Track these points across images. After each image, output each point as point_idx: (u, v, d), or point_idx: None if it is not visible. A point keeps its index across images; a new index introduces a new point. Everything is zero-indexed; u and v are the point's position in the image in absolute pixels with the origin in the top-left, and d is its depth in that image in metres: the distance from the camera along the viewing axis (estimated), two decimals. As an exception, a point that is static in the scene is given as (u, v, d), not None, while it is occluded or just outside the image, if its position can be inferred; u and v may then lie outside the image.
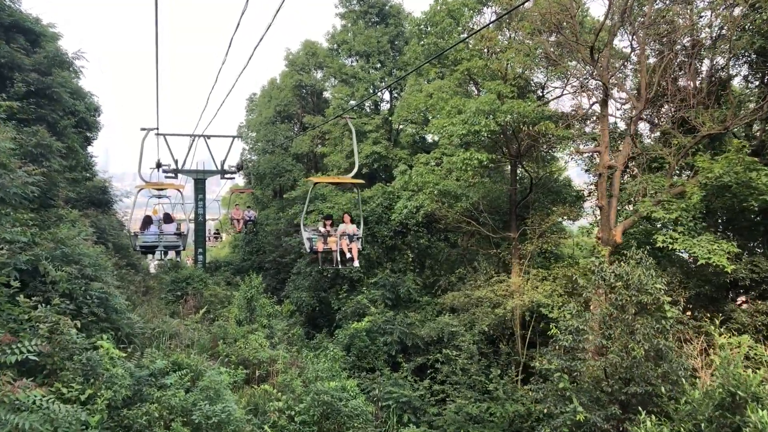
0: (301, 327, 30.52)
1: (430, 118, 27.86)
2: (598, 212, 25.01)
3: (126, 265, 25.15)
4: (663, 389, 11.94)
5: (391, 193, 30.82)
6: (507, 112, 20.55)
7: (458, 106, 22.18)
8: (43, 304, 10.75)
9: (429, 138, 42.09)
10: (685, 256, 20.54)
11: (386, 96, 44.50)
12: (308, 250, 17.54)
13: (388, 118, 42.28)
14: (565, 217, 24.90)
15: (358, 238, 17.27)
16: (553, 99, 25.16)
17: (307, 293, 31.32)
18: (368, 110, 43.72)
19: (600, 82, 20.22)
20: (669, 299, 12.90)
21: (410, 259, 30.55)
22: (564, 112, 24.60)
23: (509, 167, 30.62)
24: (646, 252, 14.19)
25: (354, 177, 18.71)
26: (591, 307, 15.80)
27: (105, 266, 15.79)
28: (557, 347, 14.57)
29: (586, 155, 24.07)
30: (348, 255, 16.98)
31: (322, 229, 17.39)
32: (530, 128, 21.05)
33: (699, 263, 16.81)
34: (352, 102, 40.72)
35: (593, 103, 21.27)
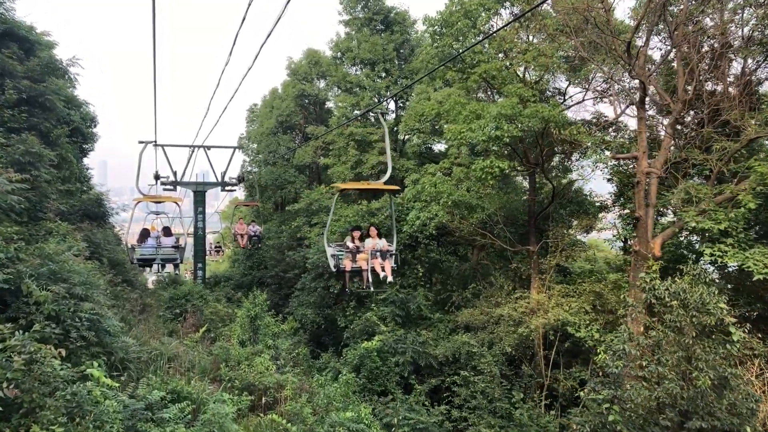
0: (305, 346, 29.05)
1: (443, 124, 26.48)
2: (621, 224, 23.66)
3: (122, 282, 23.69)
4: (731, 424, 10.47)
5: (401, 205, 29.39)
6: (530, 117, 19.19)
7: (477, 110, 20.82)
8: (21, 331, 9.26)
9: (436, 148, 40.80)
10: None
11: (391, 106, 43.23)
12: (334, 269, 15.23)
13: (395, 128, 40.98)
14: (590, 230, 23.53)
15: (391, 255, 15.24)
16: (574, 104, 23.83)
17: (312, 310, 29.79)
18: (372, 120, 42.43)
19: (631, 83, 18.94)
20: (734, 320, 11.42)
21: (420, 274, 29.08)
22: (586, 119, 23.35)
23: (523, 177, 29.28)
24: (699, 267, 12.77)
25: (387, 183, 15.70)
26: (631, 328, 14.29)
27: (97, 284, 14.33)
28: (601, 373, 13.06)
29: (611, 163, 22.74)
30: (382, 274, 14.97)
31: (350, 245, 15.25)
32: (558, 132, 19.68)
33: (755, 278, 15.29)
34: (356, 112, 39.40)
35: (627, 106, 19.86)
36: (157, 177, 36.84)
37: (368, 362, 23.41)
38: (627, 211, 22.02)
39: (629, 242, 21.88)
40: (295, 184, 42.66)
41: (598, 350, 13.66)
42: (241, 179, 38.36)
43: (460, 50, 21.75)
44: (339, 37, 42.40)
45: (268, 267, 40.64)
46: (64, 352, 9.72)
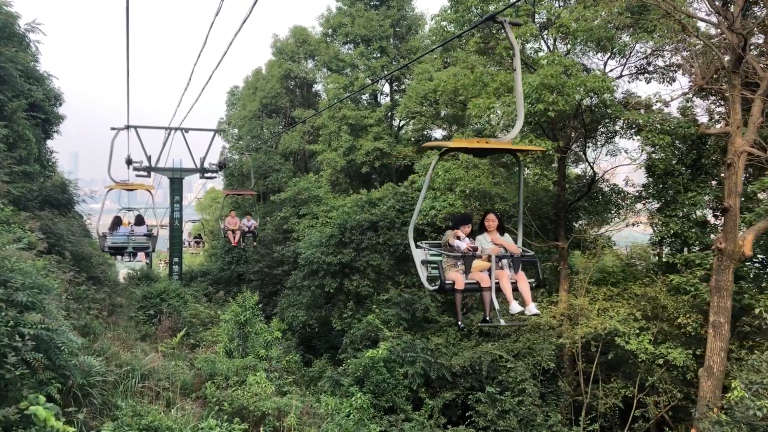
0: (295, 351, 25.91)
1: (462, 100, 23.44)
2: (659, 218, 20.87)
3: (87, 280, 20.26)
4: None
5: (405, 194, 26.33)
6: (575, 88, 16.26)
7: (509, 82, 17.85)
8: None
9: (437, 134, 37.81)
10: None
11: (386, 89, 40.11)
12: (430, 287, 9.03)
13: (389, 113, 37.89)
14: (629, 225, 20.77)
15: (527, 262, 8.96)
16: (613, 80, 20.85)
17: (304, 312, 26.60)
18: (365, 103, 39.28)
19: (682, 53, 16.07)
20: None
21: (427, 272, 26.04)
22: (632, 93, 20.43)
23: (536, 164, 26.30)
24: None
25: (514, 142, 9.40)
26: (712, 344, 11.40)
27: (50, 287, 11.03)
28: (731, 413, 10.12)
29: (648, 150, 19.88)
30: (514, 304, 8.48)
31: (459, 244, 8.81)
32: (603, 108, 16.71)
33: None
34: (368, 80, 36.22)
35: (714, 72, 16.83)
36: (129, 162, 33.35)
37: (374, 374, 20.34)
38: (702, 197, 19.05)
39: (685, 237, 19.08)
40: (281, 172, 39.32)
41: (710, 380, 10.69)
42: (222, 165, 34.93)
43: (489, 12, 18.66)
44: (330, 12, 39.16)
45: (250, 262, 37.23)
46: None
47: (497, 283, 8.30)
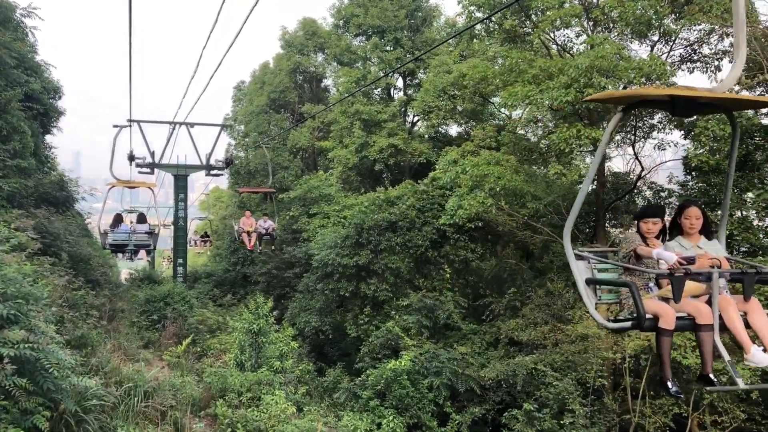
0: (308, 359, 24.30)
1: (492, 90, 21.80)
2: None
3: (86, 283, 18.69)
4: None
5: (425, 192, 24.67)
6: (633, 69, 14.57)
7: (549, 68, 16.18)
8: None
9: (453, 131, 36.17)
10: None
11: (399, 83, 38.45)
12: (605, 322, 5.63)
13: (402, 108, 36.26)
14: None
15: (755, 282, 5.42)
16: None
17: (317, 317, 24.92)
18: (377, 98, 37.62)
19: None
20: None
21: (448, 276, 24.35)
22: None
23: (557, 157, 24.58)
24: None
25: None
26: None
27: (39, 295, 9.41)
28: None
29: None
30: (751, 349, 5.20)
31: (665, 255, 5.38)
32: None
33: None
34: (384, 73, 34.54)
35: None
36: (132, 158, 31.85)
37: (396, 387, 18.69)
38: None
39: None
40: (290, 169, 37.65)
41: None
42: (229, 161, 33.36)
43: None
44: (342, 2, 37.48)
45: (257, 263, 35.54)
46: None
47: (721, 317, 5.28)
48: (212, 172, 33.25)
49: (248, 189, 32.25)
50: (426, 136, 35.90)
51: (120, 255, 25.66)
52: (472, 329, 23.04)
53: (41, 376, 8.19)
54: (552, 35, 19.93)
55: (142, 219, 23.50)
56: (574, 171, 19.51)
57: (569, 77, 15.11)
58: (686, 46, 19.46)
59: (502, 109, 31.48)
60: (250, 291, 33.72)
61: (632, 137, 19.19)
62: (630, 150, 20.33)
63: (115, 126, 29.26)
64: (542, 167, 22.30)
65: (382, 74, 33.70)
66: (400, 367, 18.73)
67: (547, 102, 15.68)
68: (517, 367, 17.95)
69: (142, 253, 25.46)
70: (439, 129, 35.03)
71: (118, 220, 22.78)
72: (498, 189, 18.86)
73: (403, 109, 36.76)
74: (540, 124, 24.43)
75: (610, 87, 14.68)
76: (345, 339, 26.27)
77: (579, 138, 15.48)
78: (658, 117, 20.40)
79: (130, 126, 30.43)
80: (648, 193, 21.36)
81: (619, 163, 23.31)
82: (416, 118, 37.19)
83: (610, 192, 21.00)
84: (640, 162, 19.29)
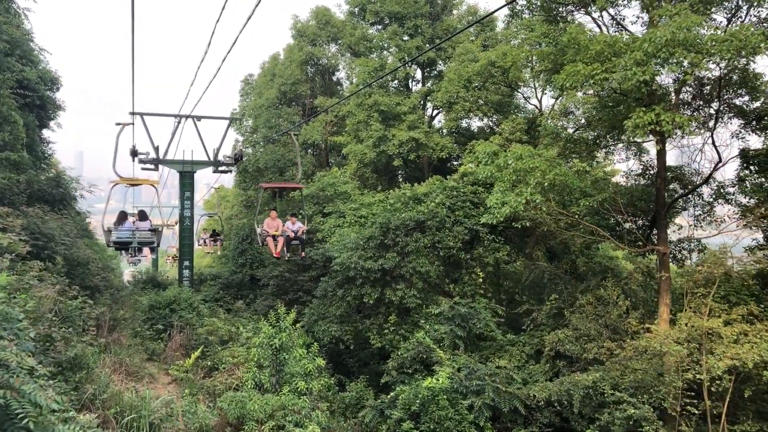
0: (327, 372, 22.11)
1: (537, 74, 19.66)
2: None
3: (83, 290, 16.52)
4: None
5: (455, 189, 22.50)
6: (724, 42, 12.41)
7: (615, 43, 14.01)
8: None
9: (474, 125, 34.05)
10: None
11: (417, 75, 36.34)
12: None
13: (421, 101, 34.14)
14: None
15: None
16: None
17: (338, 325, 22.71)
18: (394, 90, 35.49)
19: None
20: None
21: (480, 280, 22.17)
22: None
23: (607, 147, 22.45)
24: None
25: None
26: None
27: (13, 316, 7.23)
28: None
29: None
30: None
31: None
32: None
33: None
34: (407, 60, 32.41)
35: None
36: (134, 153, 29.69)
37: (434, 409, 16.52)
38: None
39: None
40: (303, 165, 35.50)
41: None
42: (239, 157, 31.15)
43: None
44: (358, -12, 35.40)
45: (267, 265, 33.34)
46: None
47: None
48: (220, 168, 31.02)
49: (273, 184, 27.74)
50: (445, 130, 33.87)
51: (123, 253, 24.81)
52: (509, 340, 20.89)
53: (11, 428, 6.06)
54: (607, 13, 17.76)
55: (143, 216, 21.80)
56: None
57: (644, 53, 12.93)
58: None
59: (532, 100, 29.41)
60: (260, 294, 31.62)
61: (712, 123, 16.94)
62: (693, 140, 18.14)
63: (118, 124, 27.36)
64: (589, 161, 20.14)
65: (400, 64, 31.57)
66: (437, 386, 16.57)
67: (616, 83, 13.51)
68: (572, 387, 15.77)
69: (146, 250, 24.91)
70: (461, 123, 32.97)
71: (122, 217, 21.31)
72: (546, 184, 16.70)
73: (422, 102, 34.68)
74: (580, 113, 22.40)
75: (701, 64, 12.50)
76: (365, 349, 24.14)
77: (659, 124, 13.29)
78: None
79: (132, 120, 28.35)
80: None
81: (669, 157, 21.13)
82: (436, 112, 35.09)
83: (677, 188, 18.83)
84: (717, 150, 17.06)
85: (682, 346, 13.89)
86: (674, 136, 16.75)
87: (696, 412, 14.00)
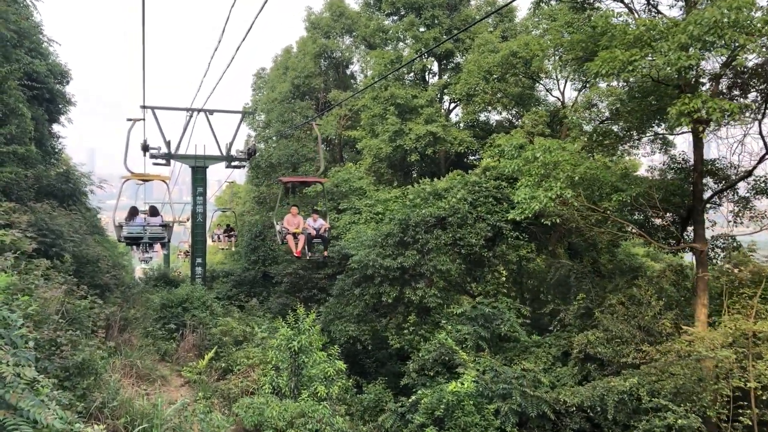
0: (345, 373, 21.33)
1: (565, 62, 18.80)
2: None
3: (92, 289, 15.82)
4: None
5: (477, 184, 21.67)
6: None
7: (656, 27, 13.13)
8: None
9: (493, 119, 33.17)
10: None
11: (434, 68, 35.47)
12: None
13: (438, 94, 33.31)
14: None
15: None
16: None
17: (355, 325, 21.96)
18: (410, 83, 34.68)
19: None
20: None
21: (503, 279, 21.36)
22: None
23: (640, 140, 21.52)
24: None
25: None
26: None
27: (11, 322, 6.52)
28: None
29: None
30: None
31: None
32: None
33: None
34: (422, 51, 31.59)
35: None
36: (145, 148, 29.09)
37: (459, 414, 15.73)
38: None
39: None
40: (316, 161, 34.77)
41: None
42: (252, 152, 30.44)
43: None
44: (374, -22, 34.62)
45: (280, 262, 32.63)
46: None
47: None
48: (233, 163, 30.35)
49: (293, 178, 26.20)
50: (462, 124, 33.02)
51: (135, 249, 24.77)
52: (534, 341, 20.05)
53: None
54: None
55: (154, 212, 21.72)
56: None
57: (689, 36, 12.05)
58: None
59: (554, 92, 28.54)
60: (273, 292, 30.95)
61: (763, 110, 15.96)
62: (732, 131, 17.19)
63: (129, 119, 26.80)
64: (616, 155, 19.26)
65: (416, 55, 30.76)
66: (463, 390, 15.77)
67: (655, 70, 12.62)
68: (606, 392, 14.93)
69: (157, 246, 24.33)
70: (479, 116, 32.14)
71: (133, 212, 21.22)
72: (576, 178, 15.85)
73: (439, 95, 33.85)
74: (604, 106, 21.57)
75: (755, 47, 11.59)
76: (382, 349, 23.39)
77: (707, 111, 12.41)
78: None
79: (144, 114, 27.74)
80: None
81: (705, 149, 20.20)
82: (453, 105, 34.23)
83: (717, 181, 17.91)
84: (765, 141, 16.07)
85: (729, 350, 13.03)
86: (714, 127, 15.86)
87: (746, 421, 13.13)
